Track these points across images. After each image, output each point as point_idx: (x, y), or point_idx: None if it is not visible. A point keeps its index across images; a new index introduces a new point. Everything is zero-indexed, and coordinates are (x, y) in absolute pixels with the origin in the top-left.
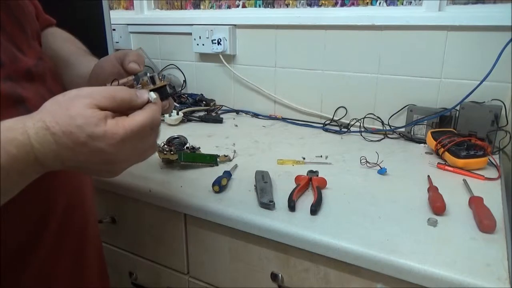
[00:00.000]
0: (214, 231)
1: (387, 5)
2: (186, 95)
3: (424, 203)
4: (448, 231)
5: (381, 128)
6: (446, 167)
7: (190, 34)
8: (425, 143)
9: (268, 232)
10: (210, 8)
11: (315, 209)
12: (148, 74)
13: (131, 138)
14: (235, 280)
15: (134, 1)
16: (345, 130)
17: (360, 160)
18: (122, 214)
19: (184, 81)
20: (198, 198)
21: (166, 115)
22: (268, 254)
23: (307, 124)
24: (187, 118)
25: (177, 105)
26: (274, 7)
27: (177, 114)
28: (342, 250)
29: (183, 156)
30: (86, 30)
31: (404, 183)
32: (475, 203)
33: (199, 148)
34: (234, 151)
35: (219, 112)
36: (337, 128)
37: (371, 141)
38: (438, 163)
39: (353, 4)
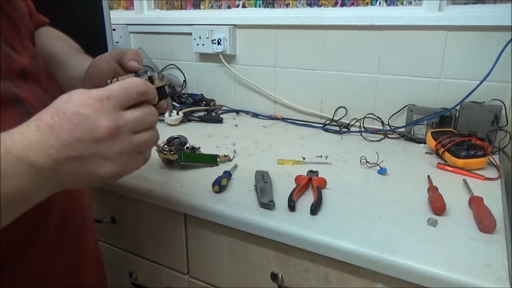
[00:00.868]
0: (214, 231)
1: (387, 5)
2: (186, 95)
3: (424, 203)
4: (448, 231)
5: (381, 128)
6: (446, 167)
7: (190, 34)
8: (425, 143)
9: (268, 232)
10: (210, 8)
11: (315, 209)
12: (147, 74)
13: (111, 97)
14: (235, 280)
15: (134, 1)
16: (345, 130)
17: (360, 160)
18: (122, 214)
19: (184, 81)
20: (198, 198)
21: (166, 115)
22: (268, 254)
23: (307, 124)
24: (187, 118)
25: (177, 105)
26: (274, 7)
27: (177, 114)
28: (342, 250)
29: (183, 156)
30: (86, 30)
31: (404, 183)
32: (475, 203)
33: (199, 148)
34: (234, 151)
35: (219, 112)
36: (337, 128)
37: (371, 141)
38: (438, 163)
39: (353, 4)
